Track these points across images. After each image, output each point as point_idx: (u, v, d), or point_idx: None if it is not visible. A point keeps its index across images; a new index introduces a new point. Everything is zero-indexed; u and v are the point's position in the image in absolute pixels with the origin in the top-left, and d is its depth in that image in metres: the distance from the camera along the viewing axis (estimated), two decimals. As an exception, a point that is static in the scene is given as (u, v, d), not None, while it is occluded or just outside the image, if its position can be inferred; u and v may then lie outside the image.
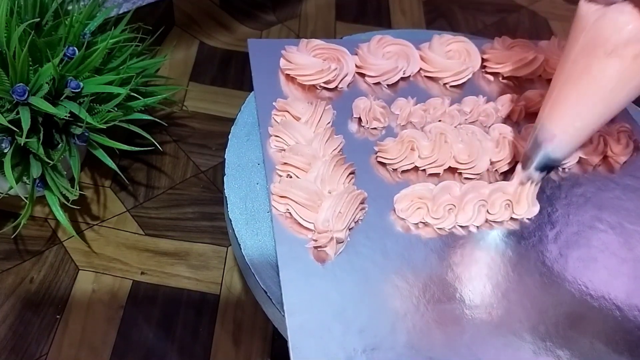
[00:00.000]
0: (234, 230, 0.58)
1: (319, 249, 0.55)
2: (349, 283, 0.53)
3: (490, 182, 0.64)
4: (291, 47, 0.74)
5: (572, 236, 0.61)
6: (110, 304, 0.83)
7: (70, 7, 0.86)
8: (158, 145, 0.86)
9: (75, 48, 0.76)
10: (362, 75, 0.75)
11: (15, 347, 0.77)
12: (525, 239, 0.60)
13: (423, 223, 0.60)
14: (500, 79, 0.79)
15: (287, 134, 0.63)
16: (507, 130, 0.68)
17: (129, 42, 0.87)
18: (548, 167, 0.58)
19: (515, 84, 0.78)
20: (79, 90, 0.75)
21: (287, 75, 0.73)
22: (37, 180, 0.77)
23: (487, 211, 0.61)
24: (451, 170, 0.65)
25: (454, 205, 0.59)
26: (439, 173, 0.64)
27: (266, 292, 0.53)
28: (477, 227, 0.60)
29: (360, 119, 0.69)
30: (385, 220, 0.60)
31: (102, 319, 0.81)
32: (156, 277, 0.87)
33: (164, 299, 0.85)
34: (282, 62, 0.73)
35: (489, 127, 0.70)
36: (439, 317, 0.52)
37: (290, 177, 0.60)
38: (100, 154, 0.81)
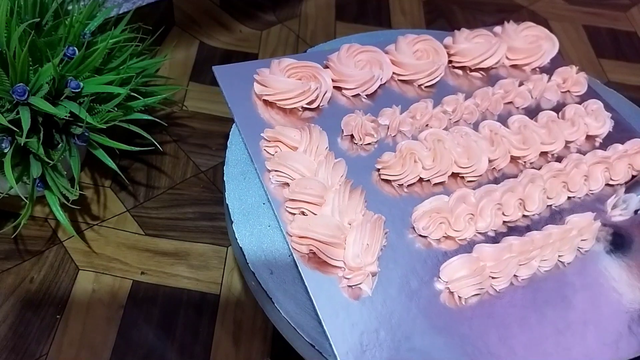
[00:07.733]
0: (231, 218, 0.58)
1: (353, 287, 0.53)
2: (388, 314, 0.52)
3: (490, 181, 0.64)
4: (262, 69, 0.70)
5: None
6: (110, 304, 0.83)
7: (70, 7, 0.86)
8: (158, 145, 0.86)
9: (75, 48, 0.76)
10: (339, 88, 0.72)
11: (15, 347, 0.76)
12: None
13: (444, 237, 0.58)
14: (468, 71, 0.80)
15: (288, 166, 0.59)
16: (497, 126, 0.69)
17: (129, 42, 0.87)
18: None
19: (483, 75, 0.80)
20: (79, 90, 0.75)
21: (265, 100, 0.69)
22: (37, 180, 0.77)
23: (503, 214, 0.60)
24: (453, 175, 0.64)
25: (472, 214, 0.59)
26: (444, 181, 0.63)
27: (260, 283, 0.53)
28: (495, 231, 0.60)
29: (352, 136, 0.66)
30: (405, 239, 0.58)
31: (102, 319, 0.81)
32: (156, 277, 0.87)
33: (164, 299, 0.85)
34: (257, 87, 0.69)
35: (472, 123, 0.71)
36: None
37: (305, 214, 0.56)
38: (100, 154, 0.81)
